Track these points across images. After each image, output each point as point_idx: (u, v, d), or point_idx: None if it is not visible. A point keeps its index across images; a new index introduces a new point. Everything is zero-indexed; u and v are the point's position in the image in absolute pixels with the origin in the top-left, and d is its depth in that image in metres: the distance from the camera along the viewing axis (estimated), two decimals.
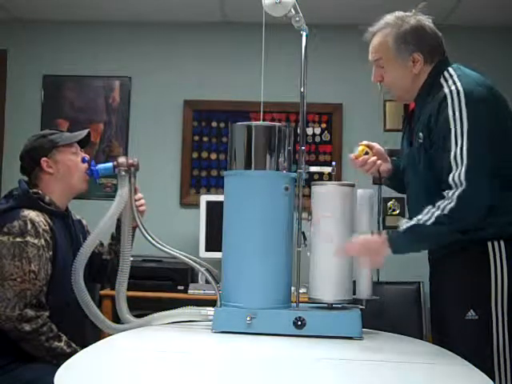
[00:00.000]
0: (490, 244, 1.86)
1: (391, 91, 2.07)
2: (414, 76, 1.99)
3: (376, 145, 2.11)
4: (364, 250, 1.87)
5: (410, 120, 2.06)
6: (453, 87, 1.87)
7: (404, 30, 1.97)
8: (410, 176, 2.02)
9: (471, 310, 1.87)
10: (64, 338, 2.07)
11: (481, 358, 1.81)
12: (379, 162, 2.06)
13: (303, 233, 1.86)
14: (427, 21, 2.01)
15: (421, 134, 1.93)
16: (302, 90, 1.91)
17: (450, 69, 1.95)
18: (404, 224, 1.83)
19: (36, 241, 2.07)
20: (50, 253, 2.12)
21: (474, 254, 1.89)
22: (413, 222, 1.81)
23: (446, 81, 1.91)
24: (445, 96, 1.86)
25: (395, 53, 1.98)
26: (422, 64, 1.98)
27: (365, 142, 2.10)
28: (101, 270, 2.36)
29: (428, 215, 1.79)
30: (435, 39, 2.00)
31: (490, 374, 1.80)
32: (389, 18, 2.04)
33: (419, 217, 1.80)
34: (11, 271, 2.04)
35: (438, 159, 1.87)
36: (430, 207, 1.80)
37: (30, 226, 2.08)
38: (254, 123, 1.91)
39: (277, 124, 1.90)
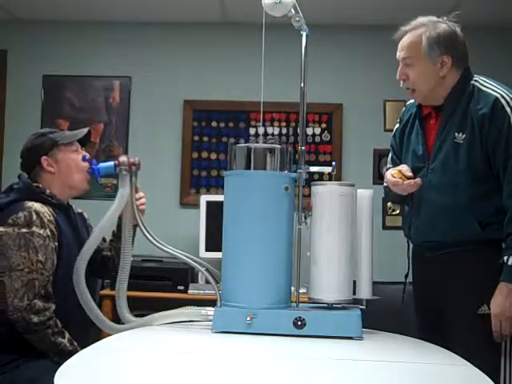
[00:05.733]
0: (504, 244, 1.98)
1: (413, 92, 2.13)
2: (439, 78, 2.08)
3: (405, 169, 2.14)
4: (510, 312, 1.95)
5: (424, 124, 2.16)
6: (501, 92, 2.00)
7: (438, 32, 2.07)
8: (435, 175, 2.08)
9: (484, 305, 1.99)
10: (67, 335, 2.09)
11: (489, 350, 1.95)
12: (418, 180, 2.10)
13: (304, 214, 1.86)
14: (458, 29, 2.11)
15: (461, 134, 2.03)
16: (302, 88, 1.91)
17: (481, 76, 2.09)
18: (511, 260, 1.93)
19: (42, 231, 2.08)
20: (56, 243, 2.13)
21: (488, 251, 2.01)
22: None
23: (486, 86, 2.04)
24: (497, 99, 1.98)
25: (426, 52, 2.06)
26: (449, 68, 2.07)
27: (398, 169, 2.14)
28: (101, 266, 2.36)
29: None
30: (464, 47, 2.12)
31: (496, 366, 1.94)
32: (423, 19, 2.11)
33: None
34: (18, 262, 2.05)
35: (497, 159, 1.98)
36: None
37: (35, 217, 2.08)
38: (253, 145, 1.89)
39: (276, 146, 1.89)
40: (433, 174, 2.09)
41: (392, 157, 2.33)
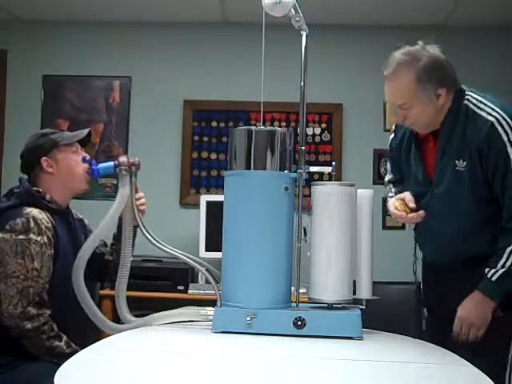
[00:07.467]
0: None
1: (414, 126, 2.09)
2: (438, 108, 2.02)
3: (408, 199, 2.12)
4: (474, 319, 1.98)
5: (422, 146, 2.12)
6: (496, 115, 1.94)
7: (423, 69, 1.97)
8: (440, 202, 2.07)
9: (498, 309, 1.99)
10: (64, 337, 2.08)
11: (498, 354, 1.97)
12: (421, 212, 2.08)
13: (304, 228, 1.86)
14: (438, 51, 2.01)
15: (461, 162, 1.99)
16: (302, 88, 1.91)
17: (473, 94, 2.02)
18: (491, 273, 1.95)
19: (39, 238, 2.08)
20: (52, 250, 2.12)
21: None
22: (502, 270, 1.94)
23: (480, 108, 1.97)
24: (492, 124, 1.93)
25: (420, 94, 1.98)
26: (445, 96, 2.00)
27: (401, 198, 2.13)
28: (103, 270, 2.36)
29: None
30: (451, 69, 2.03)
31: (503, 369, 1.96)
32: (401, 58, 2.01)
33: (502, 262, 1.94)
34: (14, 269, 2.05)
35: (496, 185, 1.97)
36: (508, 250, 1.93)
37: (32, 224, 2.08)
38: (254, 128, 1.90)
39: (277, 129, 1.89)
40: (437, 200, 2.08)
41: (392, 170, 2.32)
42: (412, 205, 2.09)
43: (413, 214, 2.07)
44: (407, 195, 2.13)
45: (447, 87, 2.00)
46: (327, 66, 4.05)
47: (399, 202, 2.11)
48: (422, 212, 2.07)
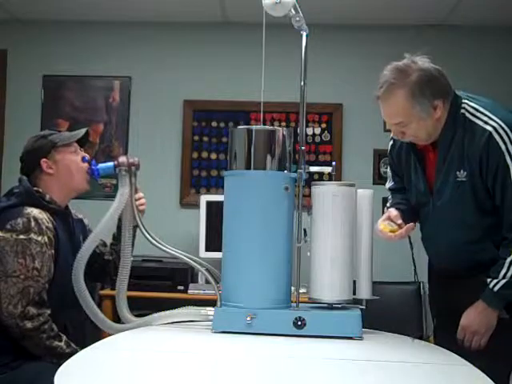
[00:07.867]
0: None
1: (414, 140, 2.07)
2: (436, 120, 1.98)
3: (394, 216, 2.11)
4: (477, 327, 1.98)
5: (422, 159, 2.10)
6: (493, 123, 1.91)
7: (415, 85, 1.94)
8: (443, 212, 2.05)
9: (504, 310, 1.99)
10: (64, 337, 2.08)
11: (503, 356, 1.98)
12: (408, 226, 2.06)
13: (304, 229, 1.86)
14: (428, 63, 1.97)
15: (462, 172, 1.97)
16: (302, 88, 1.91)
17: (469, 102, 1.98)
18: (493, 283, 1.94)
19: (39, 238, 2.08)
20: (52, 250, 2.12)
21: None
22: (503, 280, 1.93)
23: (477, 117, 1.94)
24: (490, 135, 1.90)
25: (416, 110, 1.95)
26: (442, 107, 1.97)
27: (386, 222, 2.10)
28: (103, 271, 2.36)
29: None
30: (443, 79, 1.98)
31: (507, 372, 1.98)
32: (392, 76, 1.98)
33: (503, 272, 1.93)
34: (14, 268, 2.05)
35: (496, 195, 1.94)
36: (509, 260, 1.92)
37: (33, 224, 2.08)
38: (254, 127, 1.90)
39: (277, 128, 1.89)
40: (439, 210, 2.06)
41: (393, 177, 2.31)
42: (399, 221, 2.08)
43: (400, 231, 2.05)
44: (392, 212, 2.12)
45: (443, 98, 1.97)
46: (327, 66, 4.05)
47: (383, 225, 2.09)
48: (410, 225, 2.06)
